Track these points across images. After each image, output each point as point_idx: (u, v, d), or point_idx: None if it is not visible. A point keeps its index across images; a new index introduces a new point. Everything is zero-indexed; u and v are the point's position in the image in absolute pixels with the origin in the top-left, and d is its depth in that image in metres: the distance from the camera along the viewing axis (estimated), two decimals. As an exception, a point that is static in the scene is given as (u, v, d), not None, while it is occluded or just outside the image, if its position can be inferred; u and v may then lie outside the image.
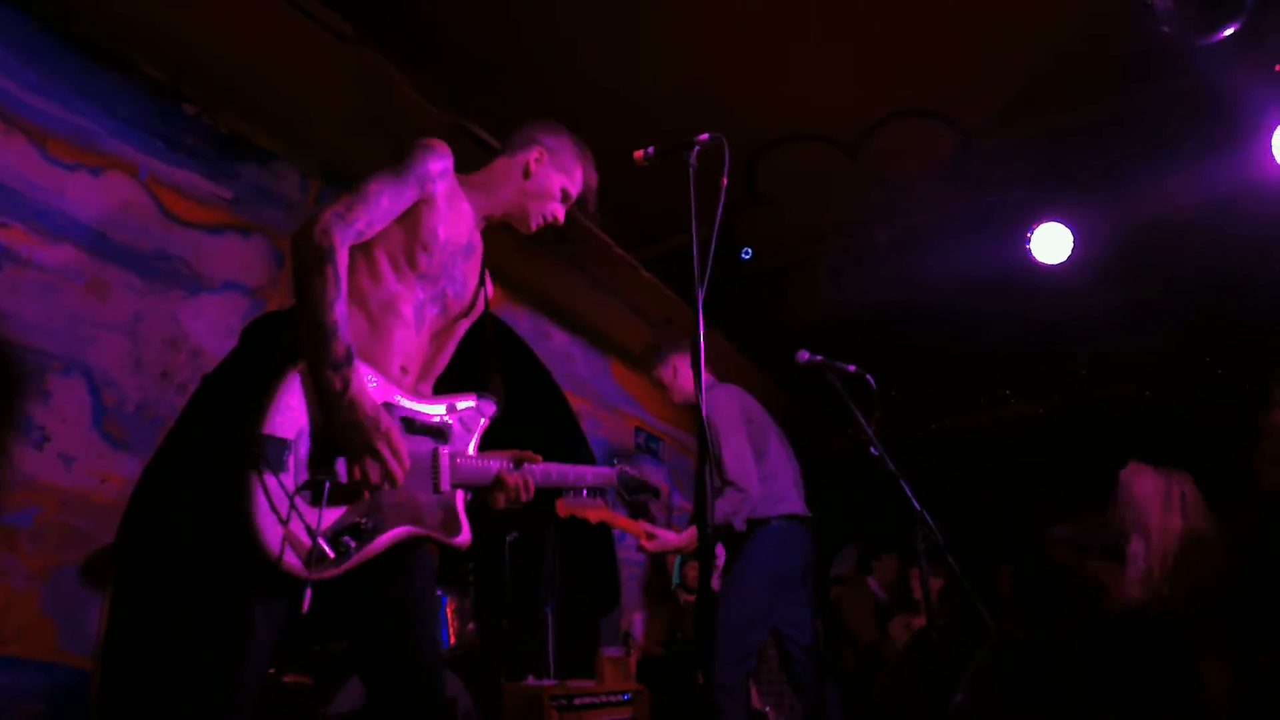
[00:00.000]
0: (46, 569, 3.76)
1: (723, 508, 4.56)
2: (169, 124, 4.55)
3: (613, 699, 5.24)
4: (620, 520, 4.80)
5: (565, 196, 2.97)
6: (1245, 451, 4.80)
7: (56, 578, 3.79)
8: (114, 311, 4.18)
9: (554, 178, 2.93)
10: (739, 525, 4.60)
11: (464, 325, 2.83)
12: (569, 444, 7.45)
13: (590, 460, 7.46)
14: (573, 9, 4.74)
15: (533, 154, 2.91)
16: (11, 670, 3.60)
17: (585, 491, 3.22)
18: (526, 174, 2.89)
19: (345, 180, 5.32)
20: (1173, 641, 4.38)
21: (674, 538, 4.70)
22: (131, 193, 4.34)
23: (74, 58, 4.19)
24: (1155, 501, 4.56)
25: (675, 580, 7.54)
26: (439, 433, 2.54)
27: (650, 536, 4.67)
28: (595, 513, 4.69)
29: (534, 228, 2.95)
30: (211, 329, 4.58)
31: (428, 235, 2.57)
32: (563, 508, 4.52)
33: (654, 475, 4.94)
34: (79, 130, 4.17)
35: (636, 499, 3.33)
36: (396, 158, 2.57)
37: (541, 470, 2.76)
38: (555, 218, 2.96)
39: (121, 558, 4.02)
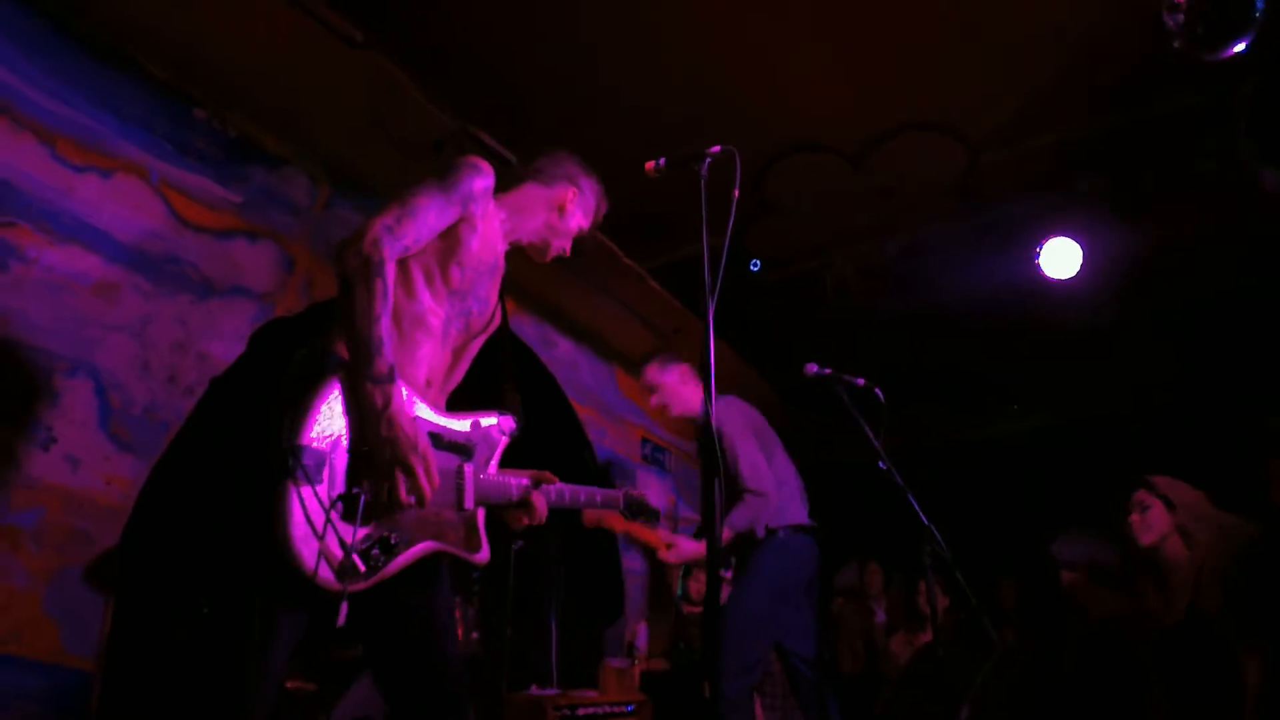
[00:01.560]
0: (50, 570, 3.75)
1: (744, 514, 4.55)
2: (179, 127, 4.56)
3: (616, 710, 5.23)
4: (642, 531, 4.79)
5: (579, 234, 3.02)
6: (1250, 465, 4.78)
7: (60, 579, 3.78)
8: (122, 314, 4.18)
9: (578, 218, 2.98)
10: (760, 532, 4.60)
11: (480, 342, 2.84)
12: (576, 453, 7.45)
13: (597, 468, 7.46)
14: (582, 18, 4.74)
15: (569, 192, 2.94)
16: (12, 670, 3.59)
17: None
18: (561, 211, 2.92)
19: (354, 186, 5.34)
20: (1213, 644, 4.38)
21: (693, 545, 4.66)
22: (142, 196, 4.34)
23: (84, 59, 4.20)
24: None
25: (679, 593, 7.52)
26: (464, 450, 2.54)
27: (669, 546, 4.66)
28: (620, 524, 4.71)
29: (548, 259, 3.01)
30: (219, 333, 4.58)
31: (464, 253, 2.57)
32: (589, 519, 4.56)
33: (657, 487, 4.97)
34: (89, 132, 4.17)
35: (637, 520, 3.40)
36: (441, 173, 2.57)
37: (556, 491, 2.80)
38: (564, 252, 3.02)
39: (126, 561, 4.02)
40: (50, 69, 4.05)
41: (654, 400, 5.07)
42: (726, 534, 4.53)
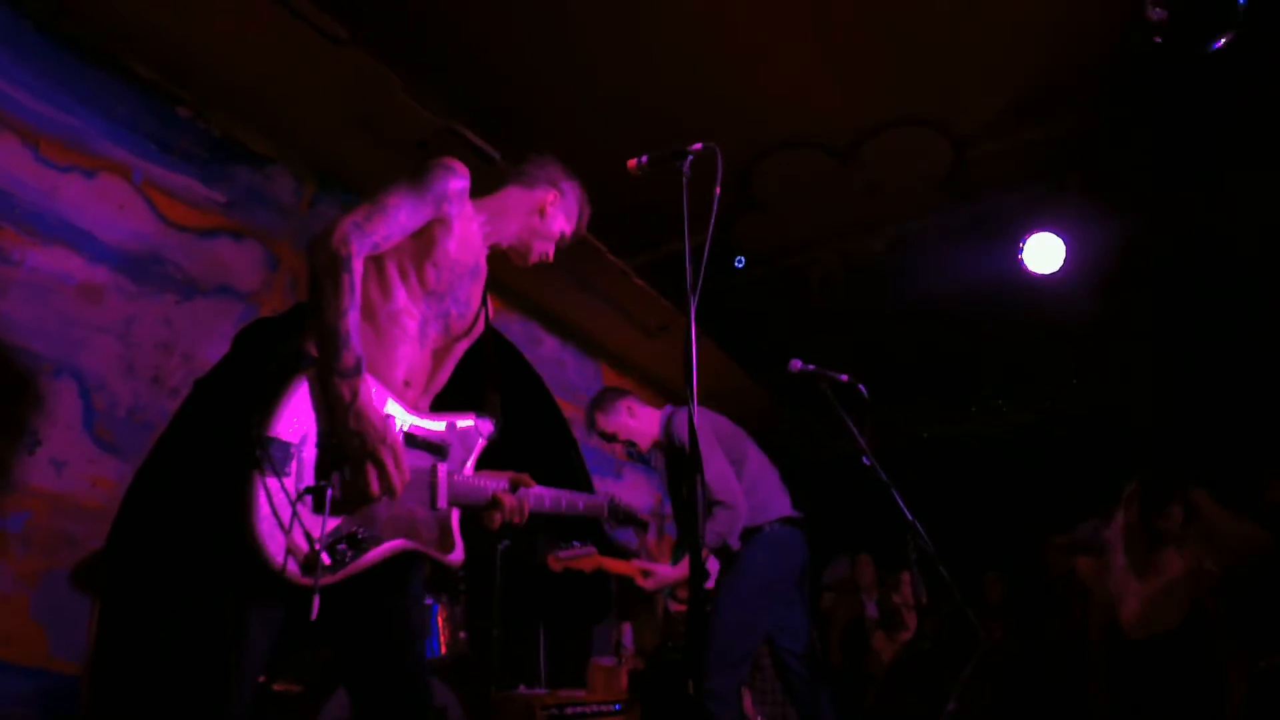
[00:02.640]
0: (36, 574, 3.74)
1: (715, 529, 4.42)
2: (163, 127, 4.54)
3: (604, 709, 5.23)
4: (614, 565, 4.74)
5: (561, 238, 3.01)
6: (1240, 459, 4.81)
7: (46, 582, 3.77)
8: (106, 314, 4.17)
9: (559, 221, 2.97)
10: (734, 544, 4.55)
11: (464, 345, 2.84)
12: (562, 451, 7.44)
13: (583, 467, 7.46)
14: (567, 14, 4.74)
15: (550, 195, 2.94)
16: (0, 675, 3.58)
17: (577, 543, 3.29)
18: (541, 214, 2.92)
19: (339, 184, 5.33)
20: (1198, 655, 4.38)
21: (670, 571, 4.62)
22: (125, 196, 4.32)
23: (68, 58, 4.18)
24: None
25: (666, 590, 7.53)
26: (438, 449, 2.54)
27: (646, 575, 4.61)
28: (589, 562, 4.66)
29: (530, 263, 3.00)
30: (204, 333, 4.56)
31: (439, 254, 2.58)
32: (555, 563, 4.53)
33: (645, 486, 4.98)
34: (72, 132, 4.15)
35: (624, 528, 3.38)
36: (415, 173, 2.57)
37: (535, 495, 2.78)
38: (547, 257, 3.01)
39: (112, 563, 4.00)
40: (33, 69, 4.03)
41: (619, 449, 4.95)
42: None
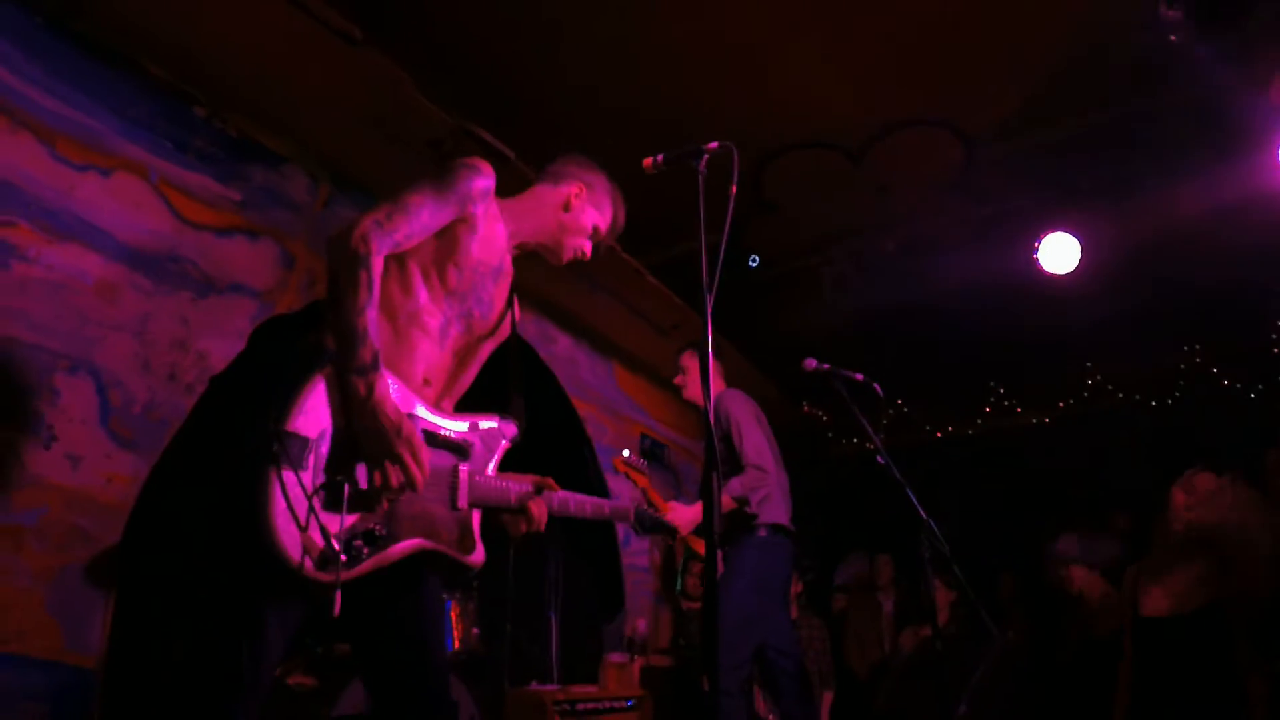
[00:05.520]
0: (52, 568, 3.76)
1: (742, 483, 4.76)
2: (179, 126, 4.56)
3: (616, 704, 5.24)
4: (654, 494, 5.29)
5: (595, 233, 2.98)
6: (1251, 460, 4.79)
7: (62, 577, 3.79)
8: (122, 312, 4.19)
9: (589, 214, 2.94)
10: (754, 502, 4.77)
11: (489, 346, 2.82)
12: (575, 449, 7.45)
13: (596, 465, 7.46)
14: (578, 16, 4.75)
15: (574, 188, 2.91)
16: (14, 669, 3.61)
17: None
18: (567, 208, 2.89)
19: (353, 184, 5.35)
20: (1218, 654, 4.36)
21: (687, 511, 4.84)
22: (141, 194, 4.34)
23: (83, 58, 4.20)
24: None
25: (678, 587, 7.54)
26: (460, 449, 2.52)
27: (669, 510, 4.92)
28: (641, 480, 5.31)
29: (565, 260, 2.97)
30: (219, 331, 4.59)
31: (462, 254, 2.56)
32: (620, 464, 5.30)
33: (659, 481, 5.11)
34: (88, 131, 4.18)
35: (651, 536, 3.40)
36: (439, 173, 2.56)
37: (559, 499, 2.74)
38: (583, 253, 2.97)
39: (127, 558, 4.02)
40: (50, 68, 4.05)
41: (677, 379, 5.48)
42: (725, 500, 4.69)
